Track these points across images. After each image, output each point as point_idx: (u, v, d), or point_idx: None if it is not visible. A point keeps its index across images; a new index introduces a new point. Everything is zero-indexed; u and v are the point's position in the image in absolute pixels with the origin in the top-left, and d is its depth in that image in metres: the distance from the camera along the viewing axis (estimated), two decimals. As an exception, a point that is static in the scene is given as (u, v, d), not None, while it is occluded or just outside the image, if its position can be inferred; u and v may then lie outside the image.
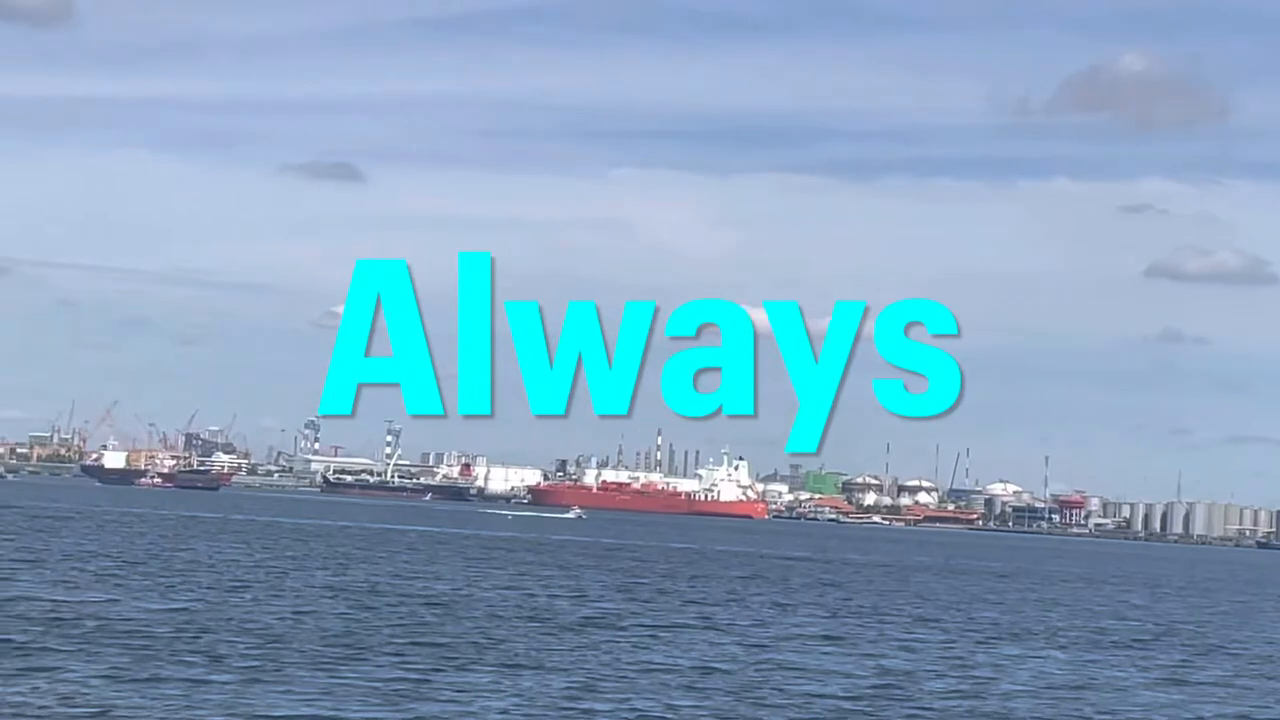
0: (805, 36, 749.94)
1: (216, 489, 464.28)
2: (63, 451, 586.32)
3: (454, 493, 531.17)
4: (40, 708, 46.47)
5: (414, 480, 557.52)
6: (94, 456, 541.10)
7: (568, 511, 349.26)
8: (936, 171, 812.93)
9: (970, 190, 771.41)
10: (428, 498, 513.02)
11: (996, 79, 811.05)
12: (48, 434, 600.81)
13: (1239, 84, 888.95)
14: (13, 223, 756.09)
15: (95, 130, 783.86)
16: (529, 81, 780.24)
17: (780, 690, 58.89)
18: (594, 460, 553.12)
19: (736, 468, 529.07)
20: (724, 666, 64.74)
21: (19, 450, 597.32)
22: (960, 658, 74.63)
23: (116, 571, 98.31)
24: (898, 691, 60.68)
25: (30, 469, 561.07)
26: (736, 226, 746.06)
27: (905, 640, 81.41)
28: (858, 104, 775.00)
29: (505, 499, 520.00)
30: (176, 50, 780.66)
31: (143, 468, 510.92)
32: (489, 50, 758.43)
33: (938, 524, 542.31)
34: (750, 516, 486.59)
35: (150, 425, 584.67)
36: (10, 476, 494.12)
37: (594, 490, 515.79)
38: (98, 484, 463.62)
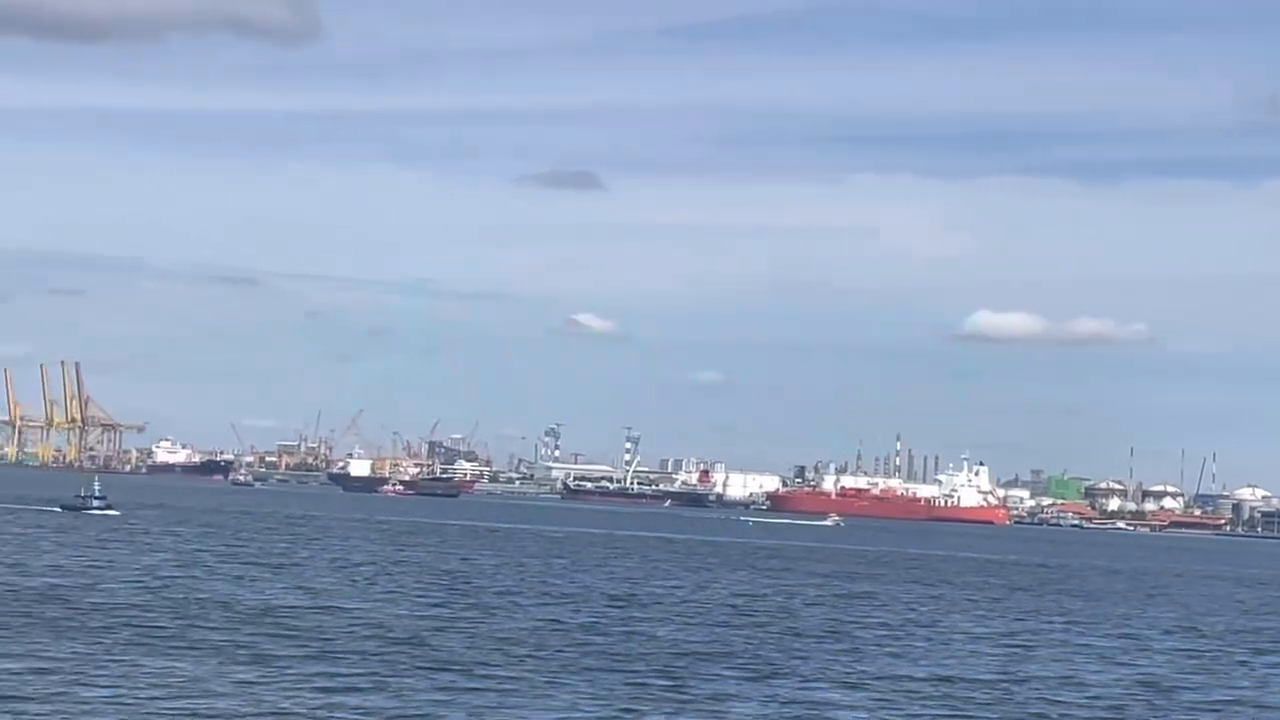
0: (1045, 37, 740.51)
1: (456, 495, 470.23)
2: (310, 460, 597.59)
3: (692, 499, 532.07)
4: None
5: (653, 486, 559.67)
6: (340, 464, 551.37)
7: (824, 519, 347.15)
8: (1180, 172, 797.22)
9: (1215, 190, 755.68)
10: (666, 504, 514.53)
11: (1244, 77, 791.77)
12: (295, 443, 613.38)
13: None
14: (261, 236, 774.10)
15: (339, 144, 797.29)
16: (767, 89, 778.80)
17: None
18: (832, 466, 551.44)
19: (977, 473, 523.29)
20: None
21: (268, 459, 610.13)
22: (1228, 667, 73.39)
23: (378, 577, 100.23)
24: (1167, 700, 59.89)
25: (279, 477, 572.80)
26: (977, 230, 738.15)
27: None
28: (1099, 104, 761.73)
29: (744, 505, 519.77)
30: (416, 63, 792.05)
31: (386, 475, 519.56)
32: (727, 58, 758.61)
33: (1184, 530, 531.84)
34: (991, 523, 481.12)
35: (394, 434, 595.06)
36: (258, 484, 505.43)
37: (832, 496, 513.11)
38: (342, 491, 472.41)
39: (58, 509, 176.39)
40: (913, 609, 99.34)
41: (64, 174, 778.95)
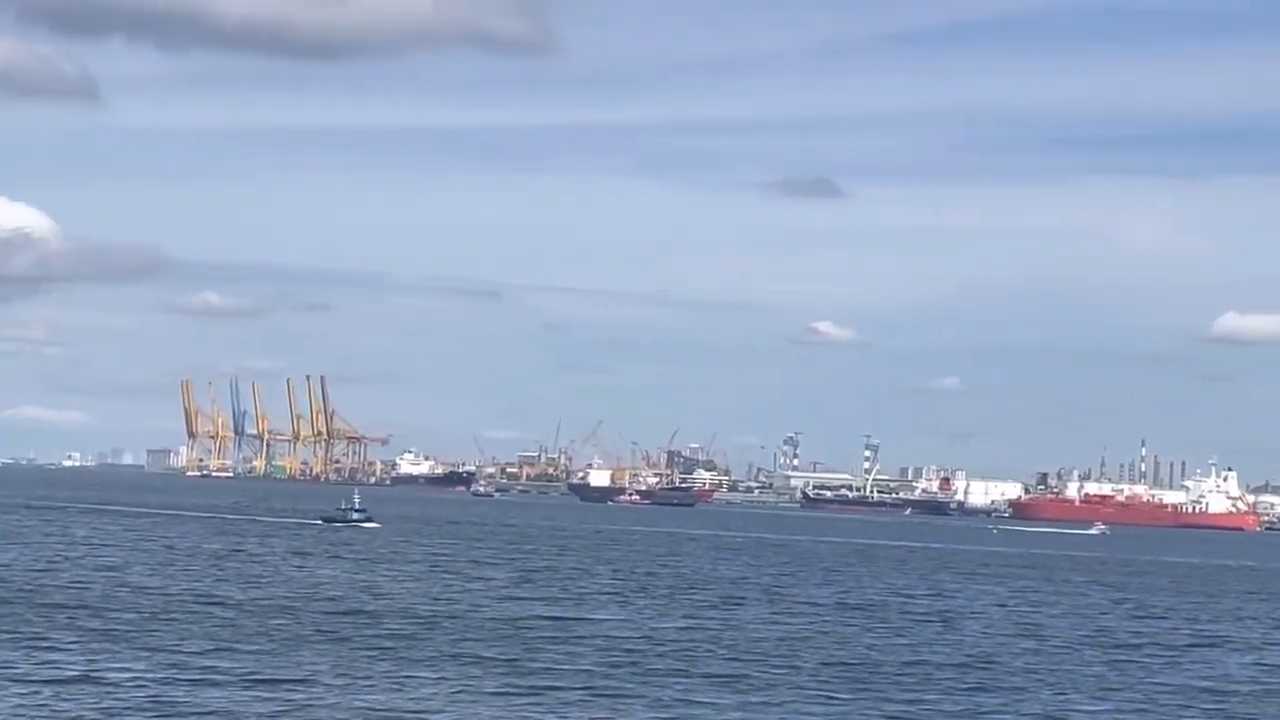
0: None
1: (693, 505, 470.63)
2: (550, 470, 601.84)
3: (933, 507, 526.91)
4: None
5: (893, 495, 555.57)
6: (580, 475, 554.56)
7: (1089, 528, 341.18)
8: None
9: None
10: (907, 512, 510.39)
11: None
12: (536, 454, 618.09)
13: None
14: (501, 249, 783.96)
15: (579, 156, 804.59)
16: (1004, 92, 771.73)
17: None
18: (1075, 472, 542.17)
19: (1225, 478, 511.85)
20: None
21: (509, 469, 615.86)
22: None
23: (619, 588, 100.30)
24: None
25: (520, 488, 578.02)
26: (1220, 231, 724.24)
27: None
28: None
29: (985, 513, 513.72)
30: (654, 74, 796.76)
31: (626, 485, 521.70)
32: (962, 62, 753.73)
33: None
34: (1241, 529, 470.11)
35: (633, 444, 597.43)
36: (498, 495, 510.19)
37: (1075, 503, 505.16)
38: (579, 501, 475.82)
39: (318, 521, 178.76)
40: None
41: (310, 191, 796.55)
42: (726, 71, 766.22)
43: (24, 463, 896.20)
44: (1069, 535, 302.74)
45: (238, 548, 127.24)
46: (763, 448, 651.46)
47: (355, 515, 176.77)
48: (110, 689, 49.88)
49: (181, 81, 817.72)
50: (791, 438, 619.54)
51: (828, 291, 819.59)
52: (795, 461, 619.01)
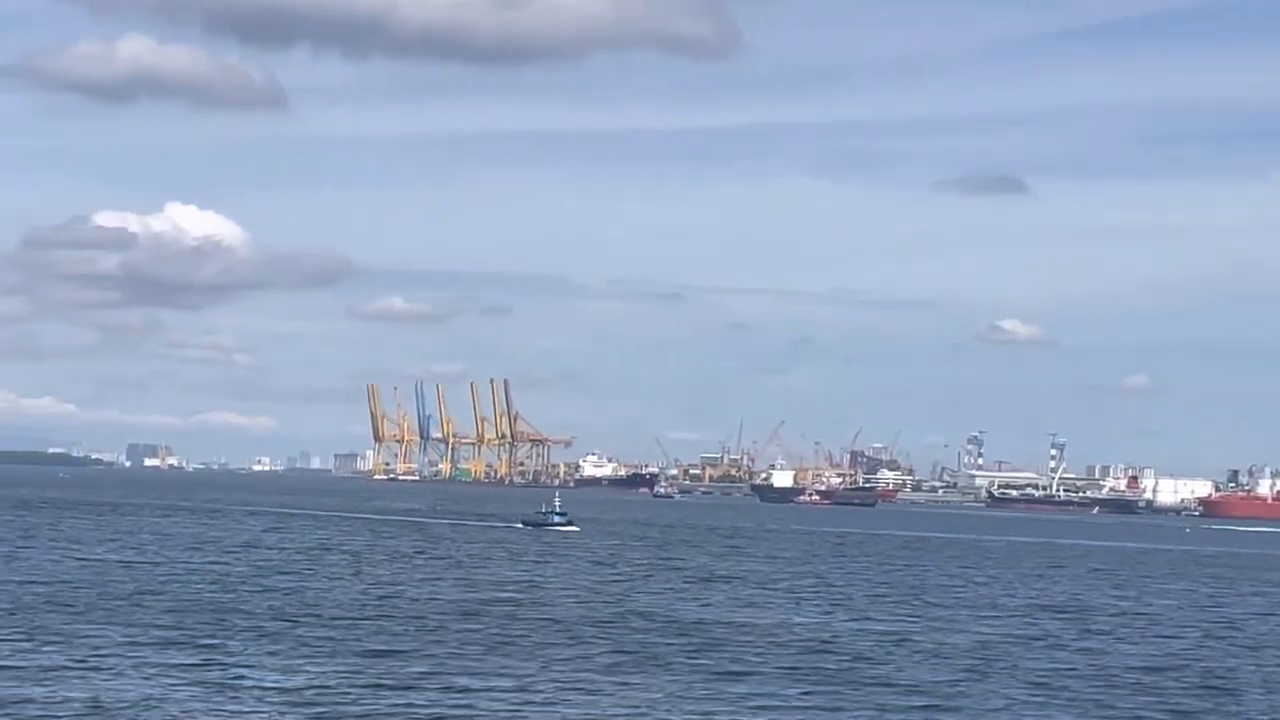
0: None
1: (874, 505, 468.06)
2: (733, 471, 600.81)
3: (1121, 505, 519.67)
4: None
5: (1080, 493, 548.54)
6: (763, 475, 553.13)
7: None
8: None
9: None
10: (1094, 511, 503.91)
11: None
12: (718, 455, 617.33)
13: None
14: (685, 251, 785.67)
15: (759, 158, 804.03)
16: (1188, 86, 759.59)
17: None
18: (1268, 469, 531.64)
19: None
20: None
21: (692, 471, 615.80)
22: None
23: (811, 589, 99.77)
24: None
25: (703, 489, 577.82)
26: None
27: None
28: None
29: (1175, 511, 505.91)
30: (833, 74, 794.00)
31: (809, 485, 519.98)
32: (1146, 57, 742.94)
33: None
34: None
35: (816, 444, 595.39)
36: (678, 496, 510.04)
37: (1269, 500, 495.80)
38: (759, 501, 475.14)
39: (519, 525, 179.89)
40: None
41: (491, 196, 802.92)
42: (906, 71, 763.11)
43: (215, 467, 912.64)
44: None
45: (489, 554, 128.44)
46: (946, 447, 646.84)
47: (556, 519, 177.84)
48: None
49: (365, 89, 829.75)
50: (976, 436, 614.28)
51: (1013, 289, 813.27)
52: (980, 461, 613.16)
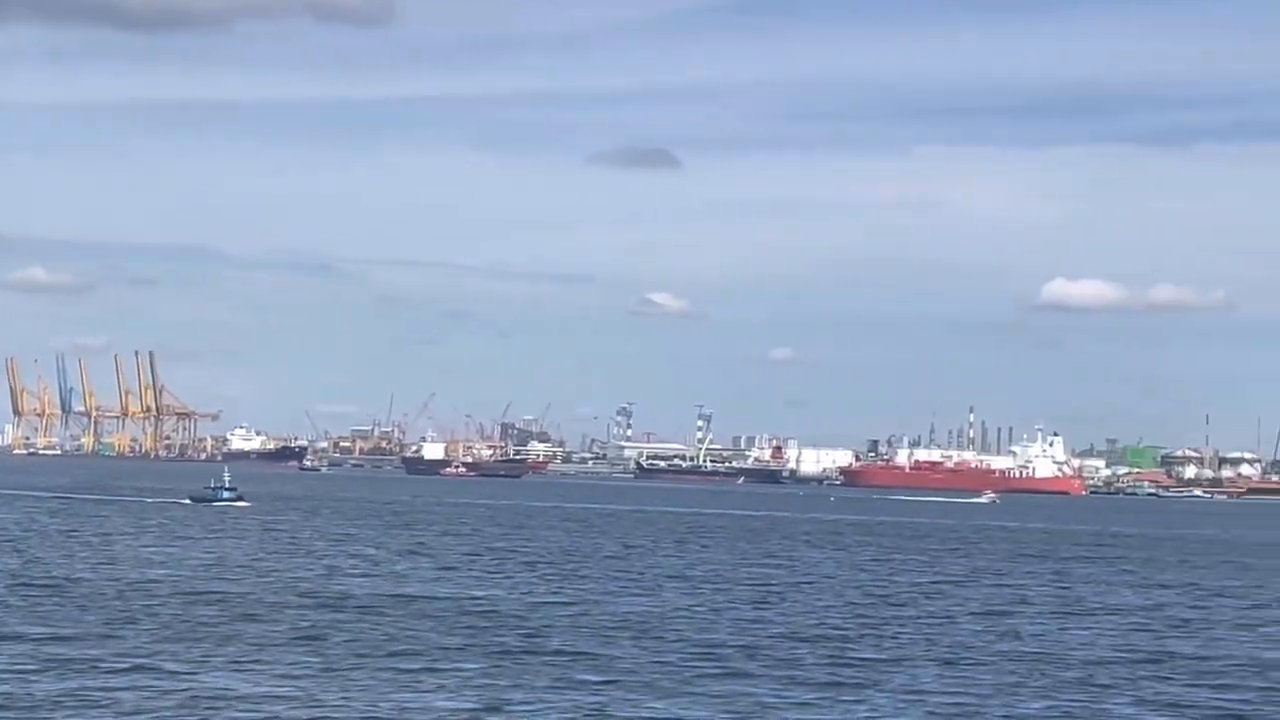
0: (1115, 4, 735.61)
1: (519, 476, 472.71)
2: (384, 444, 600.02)
3: (765, 475, 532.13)
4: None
5: (726, 464, 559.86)
6: (414, 448, 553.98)
7: (979, 496, 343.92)
8: (1256, 136, 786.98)
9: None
10: (740, 481, 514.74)
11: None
12: (369, 428, 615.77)
13: None
14: (338, 222, 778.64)
15: (414, 129, 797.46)
16: (838, 61, 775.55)
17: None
18: (905, 439, 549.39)
19: (1051, 443, 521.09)
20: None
21: (342, 444, 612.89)
22: None
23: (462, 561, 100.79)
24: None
25: (353, 462, 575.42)
26: (1052, 200, 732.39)
27: None
28: (1172, 69, 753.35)
29: (817, 481, 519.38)
30: (489, 46, 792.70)
31: (462, 458, 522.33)
32: (796, 31, 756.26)
33: (1263, 496, 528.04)
34: (1067, 493, 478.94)
35: (467, 416, 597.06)
36: (325, 469, 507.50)
37: (906, 470, 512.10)
38: (407, 474, 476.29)
39: (186, 500, 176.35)
40: None
41: (137, 164, 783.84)
42: (562, 44, 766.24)
43: None
44: (964, 505, 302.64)
45: (142, 529, 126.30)
46: (596, 419, 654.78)
47: (226, 494, 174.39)
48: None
49: (6, 55, 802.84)
50: (625, 408, 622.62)
51: (664, 263, 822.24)
52: (629, 432, 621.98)
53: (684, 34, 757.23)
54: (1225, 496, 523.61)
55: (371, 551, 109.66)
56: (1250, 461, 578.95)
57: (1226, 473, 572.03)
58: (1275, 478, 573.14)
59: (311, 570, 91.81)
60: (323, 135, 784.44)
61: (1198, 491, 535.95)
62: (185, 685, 49.04)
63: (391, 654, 56.91)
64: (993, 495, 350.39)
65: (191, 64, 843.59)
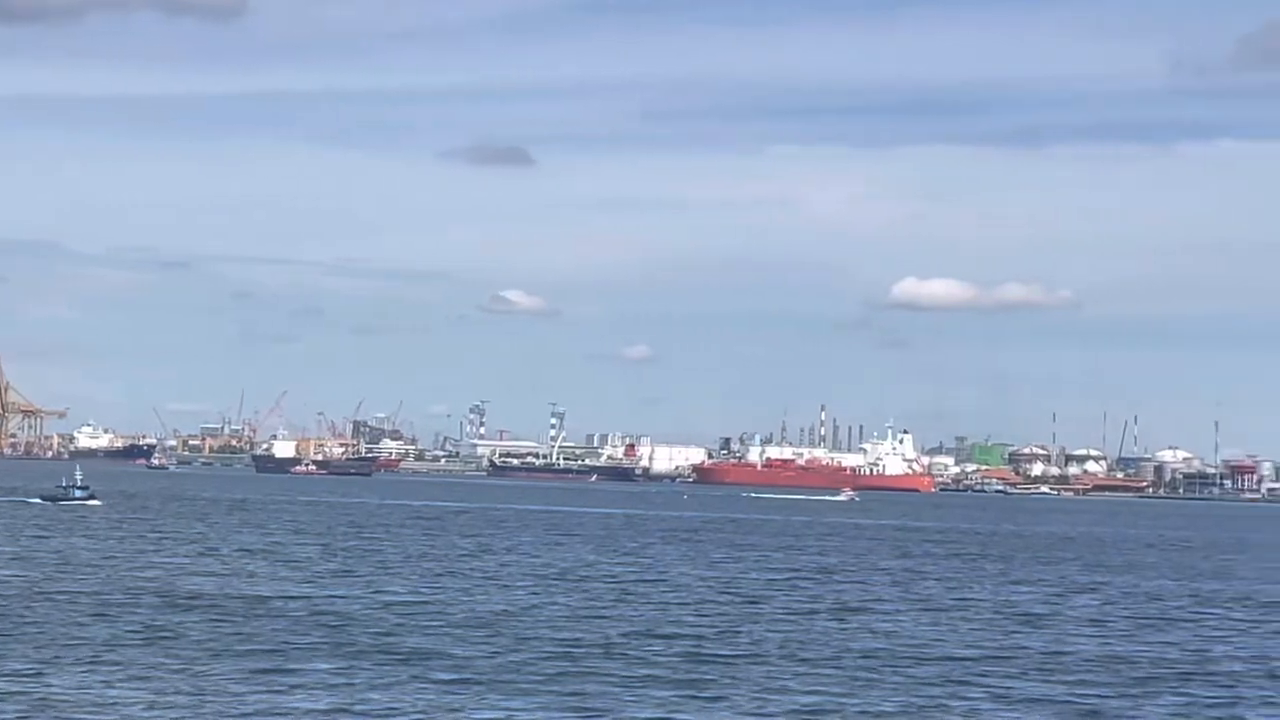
0: (965, 4, 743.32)
1: (369, 475, 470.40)
2: (234, 442, 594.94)
3: (619, 473, 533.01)
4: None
5: (579, 462, 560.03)
6: (264, 446, 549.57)
7: (836, 494, 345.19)
8: (1103, 137, 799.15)
9: (1138, 155, 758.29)
10: (593, 479, 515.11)
11: (1170, 40, 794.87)
12: (219, 426, 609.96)
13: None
14: (188, 219, 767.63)
15: (266, 125, 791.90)
16: (690, 61, 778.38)
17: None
18: (757, 437, 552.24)
19: (901, 441, 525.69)
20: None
21: (191, 442, 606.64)
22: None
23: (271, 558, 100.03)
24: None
25: (203, 460, 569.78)
26: (902, 199, 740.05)
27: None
28: (1021, 70, 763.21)
29: (670, 478, 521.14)
30: (341, 43, 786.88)
31: (313, 456, 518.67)
32: (650, 31, 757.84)
33: (1107, 493, 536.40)
34: (917, 490, 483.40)
35: (319, 414, 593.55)
36: (173, 467, 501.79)
37: (758, 468, 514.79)
38: (256, 472, 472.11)
39: (38, 500, 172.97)
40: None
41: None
42: (417, 40, 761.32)
43: None
44: (822, 503, 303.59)
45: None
46: (449, 416, 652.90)
47: (78, 493, 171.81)
48: None
49: None
50: (478, 406, 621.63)
51: (517, 260, 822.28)
52: (482, 430, 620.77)
53: (540, 32, 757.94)
54: (1071, 494, 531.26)
55: (223, 551, 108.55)
56: (1096, 459, 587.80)
57: (1073, 470, 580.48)
58: (1120, 475, 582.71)
59: (163, 570, 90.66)
60: (171, 131, 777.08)
61: (1044, 489, 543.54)
62: (34, 688, 48.20)
63: (245, 654, 56.33)
64: (851, 493, 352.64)
65: (39, 58, 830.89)
